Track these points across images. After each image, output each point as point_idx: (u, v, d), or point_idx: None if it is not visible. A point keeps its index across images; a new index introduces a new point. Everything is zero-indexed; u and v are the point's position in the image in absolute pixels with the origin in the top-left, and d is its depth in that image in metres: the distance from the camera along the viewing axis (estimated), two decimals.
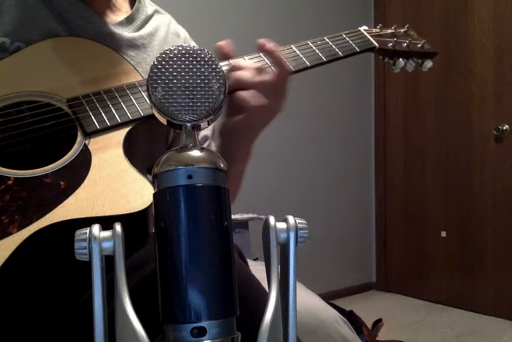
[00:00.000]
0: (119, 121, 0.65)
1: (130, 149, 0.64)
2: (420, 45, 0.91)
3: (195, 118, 0.35)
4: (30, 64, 0.69)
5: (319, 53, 0.80)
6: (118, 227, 0.34)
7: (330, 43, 0.82)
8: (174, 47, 0.36)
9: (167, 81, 0.35)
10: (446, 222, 2.66)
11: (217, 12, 2.30)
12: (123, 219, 0.52)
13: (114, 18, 0.79)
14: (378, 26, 0.91)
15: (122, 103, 0.66)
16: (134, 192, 0.56)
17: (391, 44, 0.88)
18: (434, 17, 2.62)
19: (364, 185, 2.99)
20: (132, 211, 0.54)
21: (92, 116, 0.64)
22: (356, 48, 0.84)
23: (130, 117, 0.65)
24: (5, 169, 0.59)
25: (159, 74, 0.35)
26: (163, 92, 0.35)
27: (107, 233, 0.33)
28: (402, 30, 0.93)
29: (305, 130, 2.66)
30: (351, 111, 2.89)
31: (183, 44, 0.36)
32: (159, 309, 0.33)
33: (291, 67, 0.73)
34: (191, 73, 0.35)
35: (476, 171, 2.50)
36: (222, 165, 0.34)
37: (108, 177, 0.58)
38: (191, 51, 0.36)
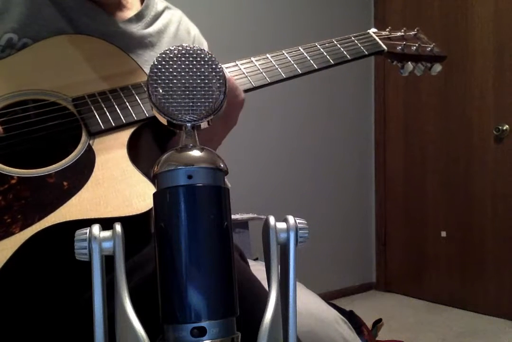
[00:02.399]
0: (124, 121, 0.65)
1: (134, 150, 0.64)
2: (429, 48, 0.91)
3: (195, 118, 0.35)
4: (36, 61, 0.69)
5: (327, 56, 0.79)
6: (118, 227, 0.33)
7: (339, 46, 0.82)
8: (174, 47, 0.36)
9: (167, 81, 0.35)
10: (446, 222, 2.65)
11: (218, 14, 2.30)
12: (125, 220, 0.52)
13: (123, 15, 0.78)
14: (387, 29, 0.91)
15: (127, 103, 0.66)
16: (137, 194, 0.56)
17: (400, 47, 0.87)
18: (434, 17, 2.62)
19: (364, 185, 2.99)
20: (135, 213, 0.54)
21: (97, 116, 0.64)
22: (365, 51, 0.83)
23: (135, 118, 0.65)
24: (9, 168, 0.59)
25: (159, 74, 0.35)
26: (163, 92, 0.35)
27: (107, 233, 0.33)
28: (411, 33, 0.93)
29: (305, 131, 2.66)
30: (351, 112, 2.89)
31: (183, 44, 0.36)
32: (159, 309, 0.32)
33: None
34: (191, 73, 0.35)
35: (476, 170, 2.50)
36: (222, 165, 0.34)
37: (112, 178, 0.58)
38: (191, 51, 0.36)
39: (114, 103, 0.66)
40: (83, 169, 0.59)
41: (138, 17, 0.79)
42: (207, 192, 0.33)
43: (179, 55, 0.35)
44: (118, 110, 0.65)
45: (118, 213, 0.54)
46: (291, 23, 2.55)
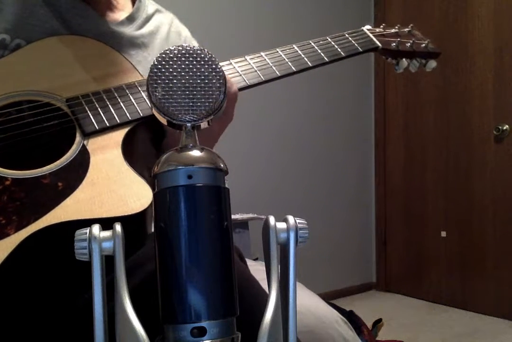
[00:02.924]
0: (118, 121, 0.64)
1: (129, 150, 0.64)
2: (424, 45, 0.91)
3: (195, 118, 0.35)
4: (30, 62, 0.68)
5: (321, 53, 0.79)
6: (118, 227, 0.34)
7: (333, 43, 0.82)
8: (174, 47, 0.36)
9: (167, 81, 0.35)
10: (446, 222, 2.65)
11: (218, 13, 2.30)
12: (121, 220, 0.52)
13: (115, 17, 0.79)
14: (381, 26, 0.91)
15: (121, 103, 0.66)
16: (132, 194, 0.56)
17: (394, 44, 0.87)
18: (434, 17, 2.62)
19: (364, 184, 2.99)
20: (130, 213, 0.54)
21: (91, 117, 0.64)
22: (359, 48, 0.84)
23: (129, 118, 0.65)
24: (3, 170, 0.59)
25: (159, 74, 0.35)
26: (163, 92, 0.35)
27: (107, 233, 0.33)
28: (406, 29, 0.93)
29: (305, 131, 2.66)
30: (351, 111, 2.89)
31: (183, 44, 0.36)
32: (159, 309, 0.32)
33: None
34: (191, 73, 0.35)
35: (476, 170, 2.50)
36: (222, 165, 0.34)
37: (107, 178, 0.58)
38: (191, 51, 0.36)
39: (108, 103, 0.66)
40: (78, 169, 0.59)
41: (130, 19, 0.79)
42: (207, 192, 0.33)
43: (179, 55, 0.35)
44: (112, 110, 0.65)
45: (113, 213, 0.54)
46: (291, 23, 2.55)
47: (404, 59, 0.89)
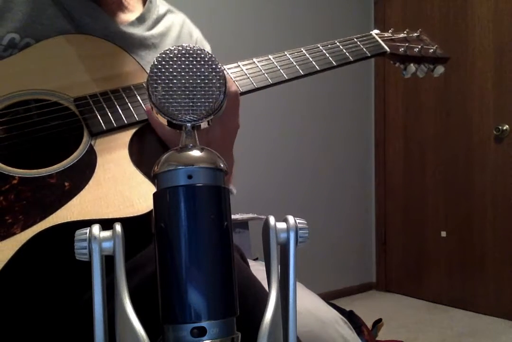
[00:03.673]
0: (126, 122, 0.65)
1: (136, 151, 0.64)
2: (432, 50, 0.90)
3: (195, 118, 0.35)
4: (38, 61, 0.68)
5: (330, 57, 0.79)
6: (118, 227, 0.33)
7: (341, 47, 0.81)
8: (174, 47, 0.36)
9: (167, 81, 0.35)
10: (446, 222, 2.65)
11: (220, 16, 2.30)
12: (127, 222, 0.52)
13: (125, 18, 0.78)
14: (390, 30, 0.91)
15: (129, 104, 0.66)
16: (139, 195, 0.56)
17: (402, 49, 0.87)
18: (434, 17, 2.62)
19: (364, 185, 2.99)
20: (136, 214, 0.54)
21: (99, 117, 0.64)
22: (367, 53, 0.83)
23: (137, 119, 0.65)
24: (11, 169, 0.59)
25: (159, 74, 0.35)
26: (163, 92, 0.35)
27: (107, 233, 0.33)
28: (414, 34, 0.93)
29: (305, 131, 2.66)
30: (351, 111, 2.89)
31: (183, 44, 0.36)
32: (159, 309, 0.32)
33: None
34: (191, 73, 0.35)
35: (476, 170, 2.50)
36: (222, 165, 0.34)
37: (113, 179, 0.58)
38: (191, 51, 0.36)
39: (116, 103, 0.66)
40: (85, 170, 0.59)
41: (140, 20, 0.79)
42: (207, 192, 0.33)
43: (179, 55, 0.35)
44: (120, 111, 0.65)
45: (119, 214, 0.54)
46: (291, 22, 2.55)
47: (412, 64, 0.89)
